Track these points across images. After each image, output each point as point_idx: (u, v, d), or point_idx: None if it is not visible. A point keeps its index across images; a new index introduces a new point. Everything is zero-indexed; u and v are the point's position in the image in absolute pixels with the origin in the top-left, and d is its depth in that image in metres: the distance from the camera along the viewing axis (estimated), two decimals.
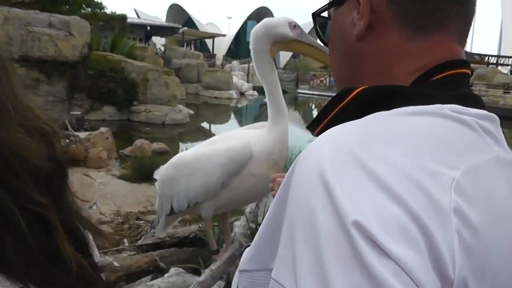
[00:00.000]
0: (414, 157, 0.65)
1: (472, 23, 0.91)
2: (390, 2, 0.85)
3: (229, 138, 3.43)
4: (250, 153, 3.19)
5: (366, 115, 0.74)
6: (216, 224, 4.41)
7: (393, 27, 0.85)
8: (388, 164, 0.64)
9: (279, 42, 3.14)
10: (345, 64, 0.98)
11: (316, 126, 0.88)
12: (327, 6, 1.04)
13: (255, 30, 3.17)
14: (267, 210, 3.56)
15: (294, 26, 3.10)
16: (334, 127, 0.73)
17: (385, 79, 0.86)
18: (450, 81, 0.82)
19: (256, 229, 4.26)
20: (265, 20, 3.21)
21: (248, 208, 5.31)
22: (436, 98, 0.76)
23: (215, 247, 3.71)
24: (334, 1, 0.99)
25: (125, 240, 6.26)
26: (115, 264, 3.82)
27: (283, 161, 3.36)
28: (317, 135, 0.86)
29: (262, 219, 3.85)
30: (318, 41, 1.23)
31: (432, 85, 0.81)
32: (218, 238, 4.37)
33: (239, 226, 4.52)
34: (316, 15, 1.07)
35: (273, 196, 1.74)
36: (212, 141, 3.54)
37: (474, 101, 0.81)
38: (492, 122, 0.79)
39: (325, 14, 1.08)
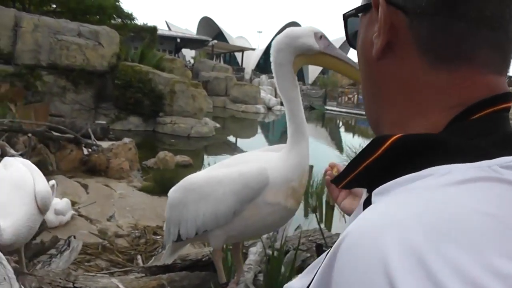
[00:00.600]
0: (480, 256, 0.55)
1: None
2: (410, 22, 0.76)
3: (244, 161, 3.13)
4: (266, 179, 2.89)
5: (402, 167, 0.69)
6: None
7: (413, 50, 0.77)
8: (457, 273, 0.54)
9: (303, 54, 2.83)
10: (366, 83, 0.91)
11: (345, 178, 0.80)
12: (354, 11, 0.93)
13: (277, 41, 2.84)
14: (286, 234, 3.34)
15: (321, 36, 2.80)
16: (390, 203, 0.65)
17: (408, 113, 0.79)
18: (488, 122, 0.74)
19: (273, 256, 4.06)
20: (288, 30, 2.87)
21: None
22: (480, 151, 0.68)
23: (223, 280, 3.38)
24: (359, 8, 0.90)
25: (139, 257, 6.11)
26: (121, 287, 3.62)
27: (303, 188, 3.06)
28: (344, 187, 0.83)
29: (281, 245, 3.65)
30: (349, 52, 1.06)
31: (467, 129, 0.73)
32: (231, 265, 4.10)
33: (254, 253, 4.31)
34: (346, 17, 0.97)
35: (330, 177, 1.67)
36: (226, 164, 3.23)
37: None
38: None
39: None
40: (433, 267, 0.55)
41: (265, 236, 4.63)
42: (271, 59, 2.90)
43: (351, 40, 0.98)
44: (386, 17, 0.78)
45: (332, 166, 1.75)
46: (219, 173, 3.07)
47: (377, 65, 0.83)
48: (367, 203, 0.73)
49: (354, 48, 0.95)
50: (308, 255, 5.36)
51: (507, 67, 0.78)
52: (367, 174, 0.75)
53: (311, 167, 9.08)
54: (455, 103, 0.75)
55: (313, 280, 0.71)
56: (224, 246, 3.94)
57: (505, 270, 0.54)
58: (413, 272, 0.55)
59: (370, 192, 0.78)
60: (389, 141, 0.72)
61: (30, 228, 3.46)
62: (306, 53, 2.81)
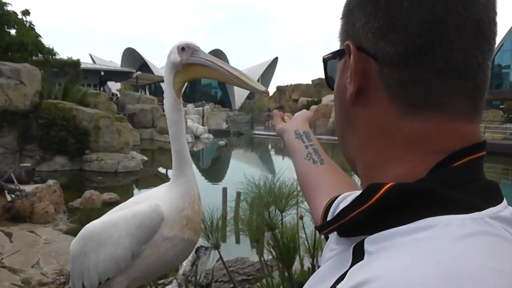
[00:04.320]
0: None
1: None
2: (380, 70, 0.80)
3: (137, 201, 3.10)
4: (159, 215, 2.86)
5: (396, 216, 0.72)
6: None
7: (384, 97, 0.80)
8: None
9: (177, 71, 2.85)
10: (342, 123, 0.94)
11: (333, 224, 0.83)
12: (330, 55, 0.97)
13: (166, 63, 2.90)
14: (204, 268, 3.45)
15: (183, 48, 2.79)
16: (405, 255, 0.66)
17: (385, 156, 0.82)
18: (467, 169, 0.77)
19: None
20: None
21: (181, 270, 5.18)
22: (470, 202, 0.72)
23: None
24: (334, 53, 0.94)
25: None
26: None
27: (199, 216, 3.07)
28: (326, 234, 0.90)
29: (196, 280, 3.70)
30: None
31: (450, 177, 0.76)
32: None
33: None
34: (325, 60, 1.00)
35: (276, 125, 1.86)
36: (121, 206, 3.17)
37: (494, 192, 0.78)
38: None
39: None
40: None
41: (180, 272, 4.69)
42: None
43: (330, 83, 1.00)
44: (357, 63, 0.81)
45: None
46: (114, 216, 3.01)
47: (352, 109, 0.86)
48: (359, 249, 0.76)
49: (332, 89, 0.98)
50: (231, 286, 5.49)
51: (479, 114, 0.81)
52: (357, 221, 0.76)
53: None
54: (431, 150, 0.77)
55: None
56: None
57: None
58: None
59: (342, 235, 0.86)
60: (382, 190, 0.73)
61: None
62: (176, 69, 2.84)
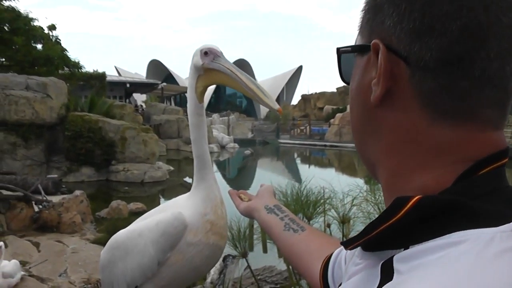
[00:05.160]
0: None
1: None
2: (412, 74, 0.76)
3: (161, 210, 3.10)
4: (182, 223, 2.85)
5: (425, 231, 0.71)
6: None
7: (414, 103, 0.77)
8: None
9: (199, 75, 2.81)
10: (362, 124, 0.89)
11: (360, 239, 0.80)
12: (349, 49, 0.91)
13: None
14: (232, 276, 3.42)
15: (205, 52, 2.74)
16: (444, 275, 0.63)
17: (410, 164, 0.79)
18: (493, 177, 0.76)
19: None
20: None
21: (209, 279, 5.16)
22: (498, 214, 0.69)
23: None
24: (355, 47, 0.89)
25: None
26: None
27: (223, 220, 3.01)
28: (351, 249, 0.86)
29: (233, 287, 3.66)
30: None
31: (476, 186, 0.74)
32: None
33: None
34: (340, 52, 0.95)
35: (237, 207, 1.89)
36: (146, 216, 3.18)
37: None
38: None
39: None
40: None
41: (208, 280, 4.68)
42: None
43: (344, 76, 0.96)
44: (387, 64, 0.77)
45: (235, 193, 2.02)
46: (139, 225, 3.03)
47: (376, 111, 0.82)
48: (388, 267, 0.73)
49: (347, 84, 0.94)
50: None
51: (505, 121, 0.79)
52: (384, 236, 0.75)
53: None
54: (459, 158, 0.75)
55: None
56: None
57: None
58: None
59: (367, 250, 0.83)
60: (410, 204, 0.71)
61: None
62: (199, 73, 2.80)
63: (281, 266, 6.19)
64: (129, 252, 2.96)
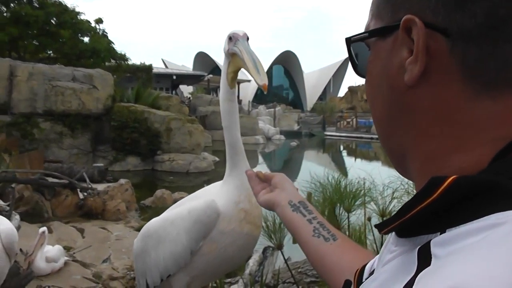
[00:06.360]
0: None
1: None
2: (452, 46, 0.71)
3: (194, 197, 3.04)
4: (215, 211, 2.78)
5: (461, 212, 0.65)
6: None
7: (455, 77, 0.71)
8: None
9: (230, 61, 2.76)
10: (390, 112, 0.82)
11: (394, 222, 0.74)
12: (366, 34, 0.85)
13: None
14: (272, 268, 3.31)
15: (230, 38, 2.70)
16: (478, 270, 0.57)
17: (447, 145, 0.74)
18: None
19: None
20: None
21: (247, 270, 5.06)
22: None
23: None
24: (375, 31, 0.83)
25: None
26: None
27: (257, 209, 2.90)
28: (386, 233, 0.80)
29: (262, 280, 3.59)
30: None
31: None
32: None
33: None
34: (350, 42, 0.90)
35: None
36: (179, 204, 3.14)
37: None
38: None
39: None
40: None
41: (247, 272, 4.60)
42: None
43: (359, 67, 0.91)
44: (425, 40, 0.72)
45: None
46: (172, 214, 2.99)
47: (408, 94, 0.76)
48: (425, 253, 0.68)
49: (362, 75, 0.91)
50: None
51: None
52: (419, 219, 0.71)
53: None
54: (500, 135, 0.70)
55: None
56: None
57: None
58: None
59: (401, 236, 0.78)
60: (445, 184, 0.66)
61: None
62: (228, 59, 2.76)
63: None
64: (162, 240, 2.94)
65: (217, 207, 2.79)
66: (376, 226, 0.81)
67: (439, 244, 0.66)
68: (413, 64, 0.73)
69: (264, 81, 2.47)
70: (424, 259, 0.67)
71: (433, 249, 0.67)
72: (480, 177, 0.66)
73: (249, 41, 2.72)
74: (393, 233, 0.81)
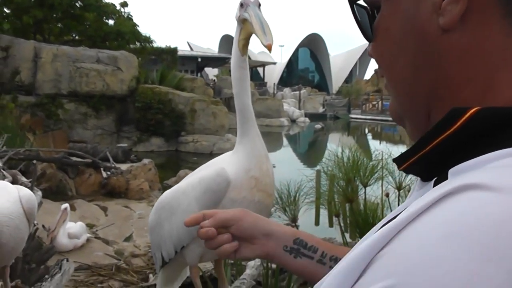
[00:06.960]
0: None
1: None
2: None
3: (205, 167, 2.97)
4: (225, 179, 2.71)
5: (482, 144, 0.63)
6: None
7: (495, 15, 0.67)
8: None
9: (241, 28, 2.69)
10: (416, 69, 0.76)
11: (413, 155, 0.72)
12: None
13: None
14: None
15: (241, 4, 2.63)
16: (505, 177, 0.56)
17: (484, 89, 0.69)
18: None
19: (269, 269, 4.00)
20: None
21: None
22: None
23: None
24: None
25: (150, 276, 6.12)
26: None
27: (268, 177, 2.81)
28: (404, 168, 0.76)
29: None
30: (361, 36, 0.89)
31: None
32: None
33: (252, 266, 4.21)
34: (354, 2, 0.85)
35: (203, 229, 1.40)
36: (192, 173, 3.07)
37: None
38: None
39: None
40: None
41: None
42: None
43: (362, 26, 0.87)
44: None
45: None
46: (183, 183, 2.94)
47: (442, 40, 0.71)
48: (441, 179, 0.66)
49: (369, 38, 0.86)
50: None
51: None
52: (439, 152, 0.68)
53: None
54: None
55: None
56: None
57: None
58: None
59: (424, 179, 0.75)
60: (468, 114, 0.64)
61: (16, 228, 3.31)
62: (240, 26, 2.70)
63: (339, 238, 5.96)
64: (174, 211, 2.90)
65: (227, 175, 2.72)
66: (394, 160, 0.78)
67: (456, 171, 0.64)
68: (454, 4, 0.68)
69: (269, 41, 2.41)
70: (440, 182, 0.65)
71: (450, 176, 0.65)
72: (503, 108, 0.64)
73: (261, 7, 2.64)
74: (419, 179, 0.79)
